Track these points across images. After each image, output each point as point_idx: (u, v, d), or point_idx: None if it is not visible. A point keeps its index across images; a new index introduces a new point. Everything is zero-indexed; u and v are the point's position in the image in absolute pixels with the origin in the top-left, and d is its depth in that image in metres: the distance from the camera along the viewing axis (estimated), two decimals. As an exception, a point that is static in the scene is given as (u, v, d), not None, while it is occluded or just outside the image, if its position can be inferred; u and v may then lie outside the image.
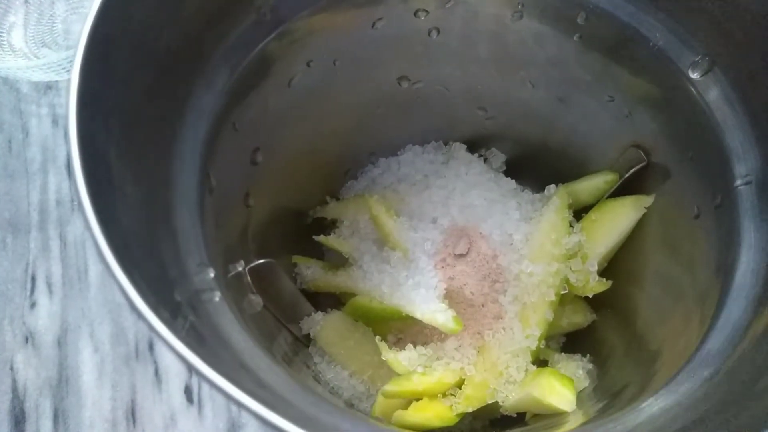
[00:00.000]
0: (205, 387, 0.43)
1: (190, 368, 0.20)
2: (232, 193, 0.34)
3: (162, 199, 0.28)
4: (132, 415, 0.42)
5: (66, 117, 0.22)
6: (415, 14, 0.37)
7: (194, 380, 0.43)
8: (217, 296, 0.27)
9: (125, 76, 0.26)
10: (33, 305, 0.45)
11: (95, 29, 0.25)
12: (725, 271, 0.31)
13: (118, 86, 0.26)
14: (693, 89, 0.33)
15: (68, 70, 0.50)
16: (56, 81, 0.53)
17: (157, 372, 0.43)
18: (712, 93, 0.33)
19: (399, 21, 0.37)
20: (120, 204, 0.24)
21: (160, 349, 0.44)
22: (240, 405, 0.20)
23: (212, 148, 0.31)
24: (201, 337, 0.24)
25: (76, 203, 0.47)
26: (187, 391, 0.43)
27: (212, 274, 0.28)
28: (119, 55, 0.26)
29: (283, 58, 0.35)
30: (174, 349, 0.20)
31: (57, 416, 0.42)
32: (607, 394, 0.34)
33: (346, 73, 0.38)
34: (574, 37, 0.36)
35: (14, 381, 0.43)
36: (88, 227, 0.20)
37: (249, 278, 0.33)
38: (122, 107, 0.26)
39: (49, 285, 0.46)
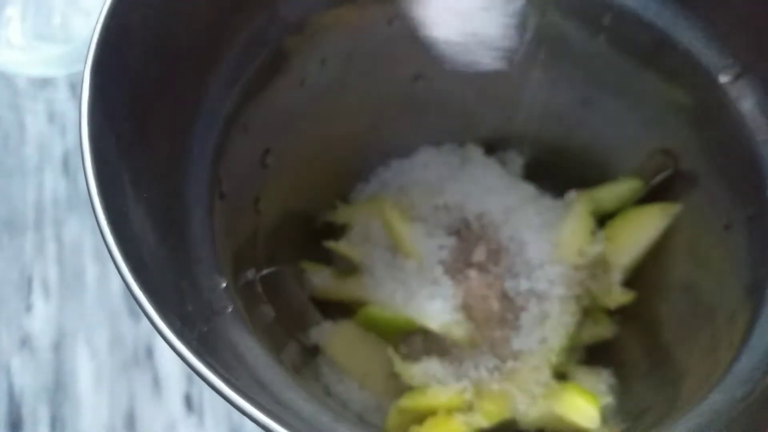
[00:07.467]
0: (206, 395, 0.41)
1: (218, 391, 0.19)
2: (243, 197, 0.33)
3: (173, 206, 0.27)
4: (131, 422, 0.41)
5: (78, 121, 0.21)
6: None
7: (194, 388, 0.42)
8: (230, 307, 0.26)
9: (136, 78, 0.25)
10: (29, 308, 0.44)
11: (106, 28, 0.24)
12: (758, 284, 0.30)
13: (129, 88, 0.25)
14: (725, 95, 0.32)
15: (66, 65, 0.49)
16: (53, 77, 0.51)
17: (156, 379, 0.42)
18: (745, 99, 0.31)
19: (417, 17, 0.36)
20: (132, 211, 0.23)
21: (159, 355, 0.42)
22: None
23: (223, 151, 0.30)
24: (214, 351, 0.24)
25: (72, 202, 0.46)
26: (187, 399, 0.41)
27: (224, 285, 0.27)
28: (130, 55, 0.25)
29: (297, 56, 0.34)
30: (193, 367, 0.19)
31: (54, 423, 0.41)
32: (630, 415, 0.33)
33: (360, 71, 0.37)
34: (600, 38, 0.35)
35: (11, 386, 0.42)
36: (101, 234, 0.19)
37: (260, 287, 0.32)
38: (133, 110, 0.25)
39: (46, 287, 0.44)
